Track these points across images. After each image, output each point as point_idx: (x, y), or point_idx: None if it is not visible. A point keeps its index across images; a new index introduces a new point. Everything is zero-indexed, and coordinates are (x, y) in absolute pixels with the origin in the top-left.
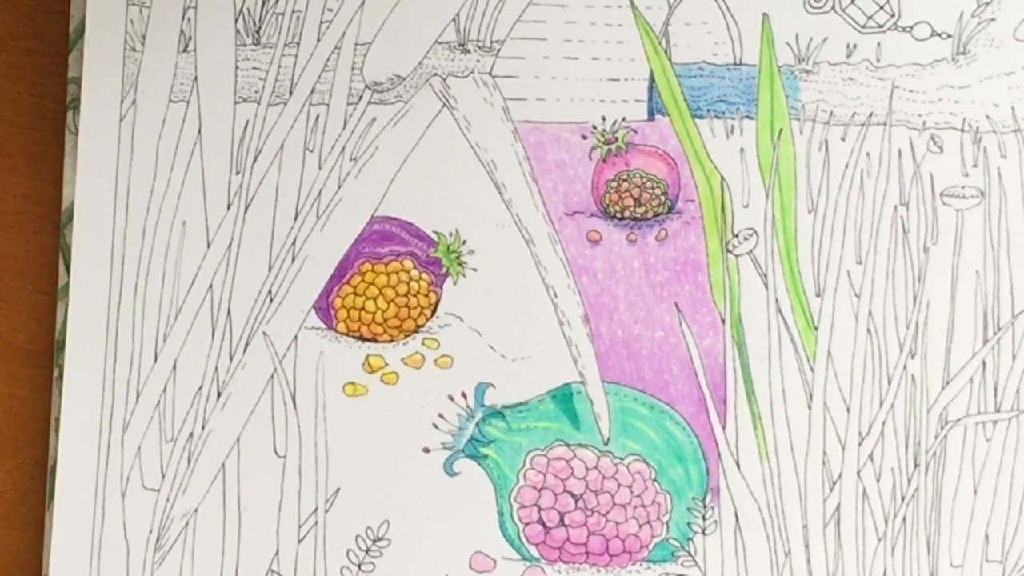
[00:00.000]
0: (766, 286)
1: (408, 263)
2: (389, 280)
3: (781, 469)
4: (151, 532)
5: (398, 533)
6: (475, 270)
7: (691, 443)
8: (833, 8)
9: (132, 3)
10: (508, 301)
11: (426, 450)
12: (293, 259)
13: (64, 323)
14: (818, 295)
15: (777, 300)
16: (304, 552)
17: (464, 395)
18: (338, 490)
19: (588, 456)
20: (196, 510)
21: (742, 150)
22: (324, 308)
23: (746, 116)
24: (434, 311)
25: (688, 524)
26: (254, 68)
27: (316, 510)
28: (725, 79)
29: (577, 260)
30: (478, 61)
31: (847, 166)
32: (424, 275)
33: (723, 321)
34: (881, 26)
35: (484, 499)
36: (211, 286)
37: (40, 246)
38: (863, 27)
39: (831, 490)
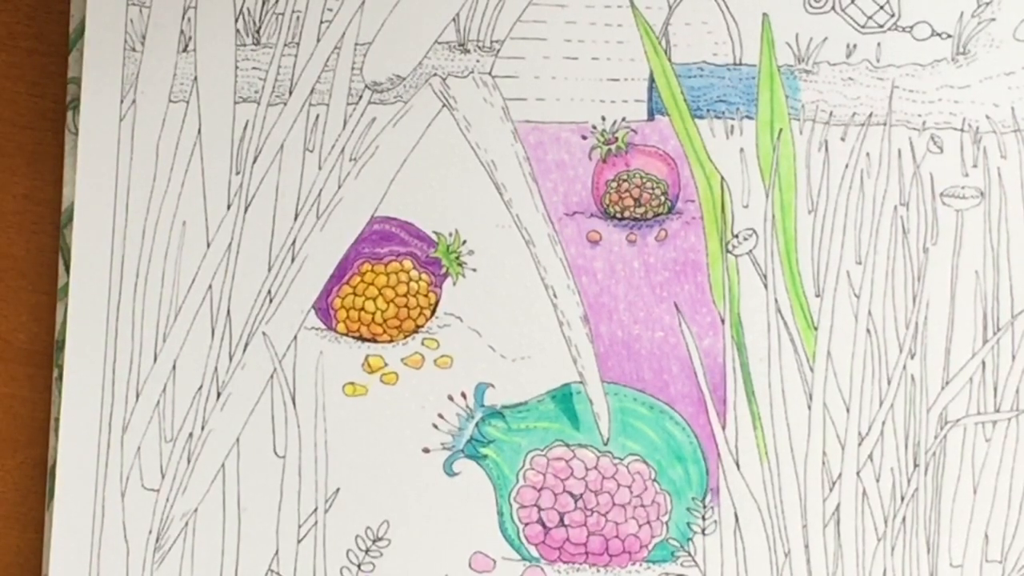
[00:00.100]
0: (766, 286)
1: (408, 263)
2: (389, 280)
3: (781, 469)
4: (151, 532)
5: (398, 533)
6: (475, 270)
7: (691, 443)
8: (833, 8)
9: (132, 3)
10: (508, 301)
11: (426, 450)
12: (293, 259)
13: (64, 323)
14: (818, 295)
15: (777, 300)
16: (304, 552)
17: (464, 395)
18: (338, 490)
19: (588, 456)
20: (196, 510)
21: (742, 150)
22: (324, 308)
23: (746, 116)
24: (434, 311)
25: (688, 524)
26: (254, 68)
27: (316, 510)
28: (725, 79)
29: (577, 260)
30: (478, 61)
31: (847, 166)
32: (424, 275)
33: (723, 321)
34: (881, 26)
35: (484, 499)
36: (211, 286)
37: (40, 246)
38: (863, 27)
39: (831, 490)
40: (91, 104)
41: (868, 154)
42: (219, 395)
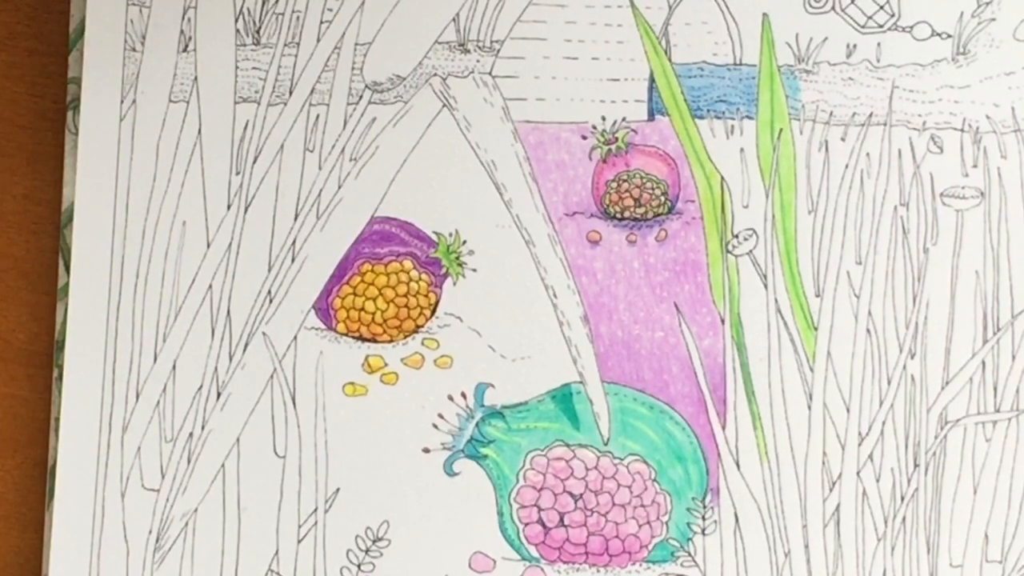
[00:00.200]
0: (766, 286)
1: (408, 263)
2: (389, 280)
3: (781, 469)
4: (151, 532)
5: (398, 533)
6: (475, 270)
7: (691, 443)
8: (833, 8)
9: (132, 3)
10: (508, 301)
11: (426, 450)
12: (293, 259)
13: (64, 323)
14: (818, 295)
15: (777, 300)
16: (304, 552)
17: (464, 395)
18: (338, 490)
19: (588, 456)
20: (196, 510)
21: (742, 150)
22: (324, 308)
23: (746, 116)
24: (434, 311)
25: (688, 524)
26: (254, 68)
27: (316, 510)
28: (725, 79)
29: (577, 260)
30: (478, 61)
31: (847, 166)
32: (424, 275)
33: (723, 321)
34: (881, 26)
35: (484, 499)
36: (211, 286)
37: (40, 246)
38: (863, 27)
39: (831, 490)
40: (91, 104)
41: (868, 154)
42: (219, 395)
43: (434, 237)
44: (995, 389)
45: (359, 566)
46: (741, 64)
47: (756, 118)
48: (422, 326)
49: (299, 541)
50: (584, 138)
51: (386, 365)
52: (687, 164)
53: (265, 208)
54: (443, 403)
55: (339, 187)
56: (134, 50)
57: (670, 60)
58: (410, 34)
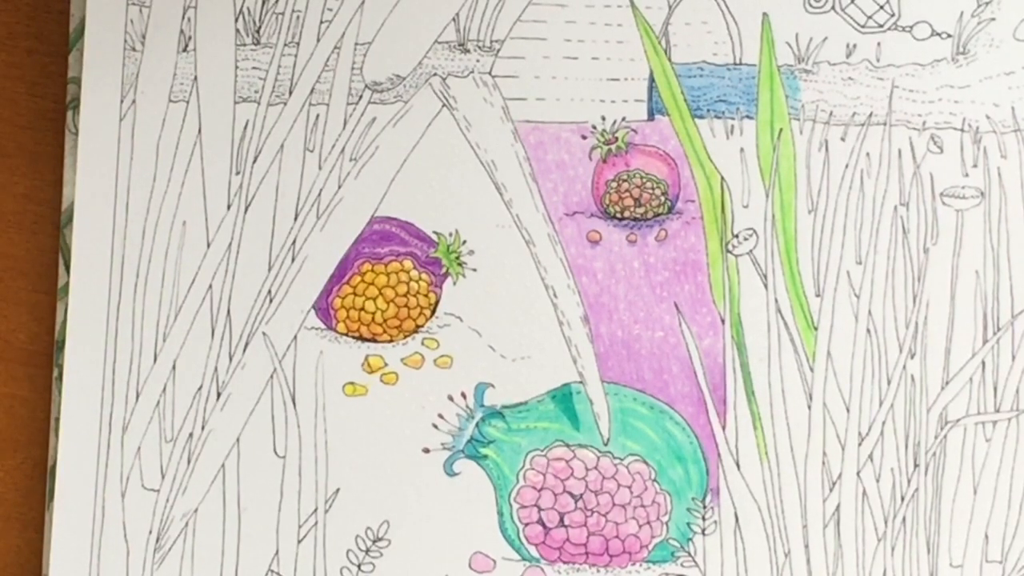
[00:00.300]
0: (766, 286)
1: (408, 263)
2: (389, 280)
3: (781, 469)
4: (151, 532)
5: (398, 533)
6: (475, 270)
7: (691, 443)
8: (833, 8)
9: (132, 3)
10: (508, 301)
11: (426, 450)
12: (293, 259)
13: (64, 323)
14: (818, 295)
15: (777, 300)
16: (304, 552)
17: (464, 395)
18: (338, 490)
19: (588, 456)
20: (196, 510)
21: (742, 150)
22: (324, 308)
23: (746, 116)
24: (434, 311)
25: (688, 524)
26: (254, 68)
27: (316, 510)
28: (725, 79)
29: (577, 260)
30: (478, 61)
31: (847, 166)
32: (424, 275)
33: (723, 321)
34: (881, 26)
35: (484, 499)
36: (211, 286)
37: (40, 246)
38: (863, 27)
39: (831, 490)
40: (91, 104)
41: (868, 154)
42: (219, 395)
43: (434, 237)
44: (995, 389)
45: (359, 566)
46: (741, 64)
47: (756, 118)
48: (422, 326)
49: (299, 541)
50: (584, 138)
51: (386, 365)
52: (687, 164)
53: (265, 208)
54: (443, 403)
55: (339, 187)
56: (134, 50)
57: (670, 60)
58: (410, 34)
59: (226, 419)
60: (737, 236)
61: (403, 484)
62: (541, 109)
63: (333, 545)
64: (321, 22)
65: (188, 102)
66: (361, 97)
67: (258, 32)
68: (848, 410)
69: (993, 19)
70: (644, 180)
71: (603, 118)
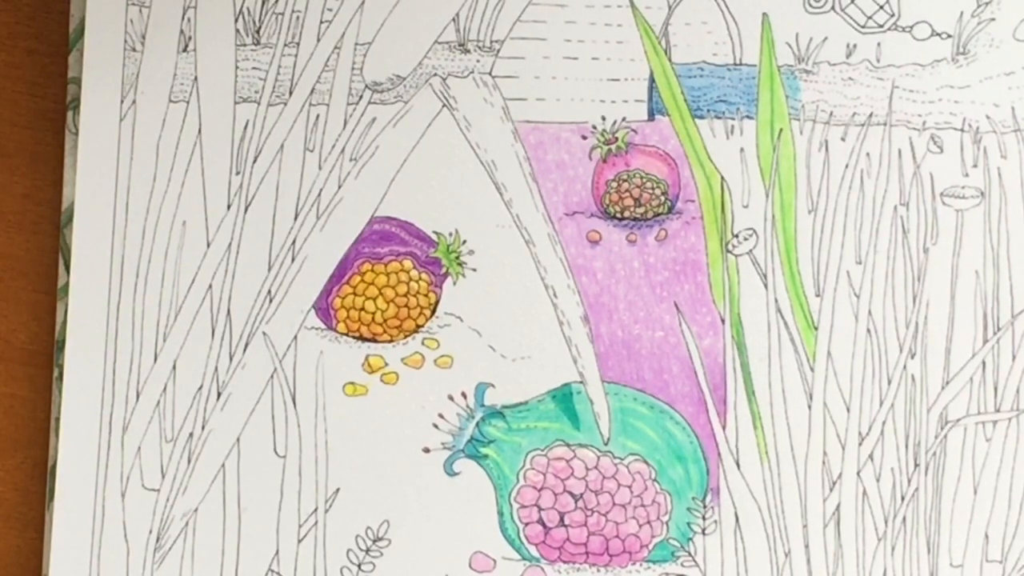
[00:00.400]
0: (766, 286)
1: (408, 263)
2: (389, 280)
3: (781, 469)
4: (151, 532)
5: (398, 533)
6: (475, 270)
7: (691, 443)
8: (833, 8)
9: (132, 3)
10: (508, 301)
11: (426, 450)
12: (293, 259)
13: (64, 323)
14: (818, 295)
15: (777, 300)
16: (304, 552)
17: (464, 395)
18: (338, 490)
19: (588, 456)
20: (196, 510)
21: (742, 150)
22: (324, 308)
23: (746, 116)
24: (434, 311)
25: (688, 524)
26: (254, 68)
27: (316, 510)
28: (725, 79)
29: (577, 260)
30: (478, 61)
31: (847, 166)
32: (424, 275)
33: (723, 321)
34: (881, 26)
35: (484, 499)
36: (211, 286)
37: (40, 246)
38: (863, 27)
39: (831, 490)
40: (91, 104)
41: (868, 154)
42: (219, 395)
43: (434, 237)
44: (995, 389)
45: (359, 566)
46: (741, 64)
47: (756, 118)
48: (422, 326)
49: (299, 541)
50: (584, 138)
51: (386, 365)
52: (687, 164)
53: (265, 208)
54: (443, 403)
55: (339, 187)
56: (134, 50)
57: (670, 60)
58: (410, 34)
59: (226, 419)
60: (737, 236)
61: (403, 484)
62: (541, 109)
63: (333, 545)
64: (321, 22)
65: (188, 102)
66: (361, 97)
67: (258, 32)
68: (848, 410)
69: (993, 19)
70: (644, 180)
71: (603, 118)
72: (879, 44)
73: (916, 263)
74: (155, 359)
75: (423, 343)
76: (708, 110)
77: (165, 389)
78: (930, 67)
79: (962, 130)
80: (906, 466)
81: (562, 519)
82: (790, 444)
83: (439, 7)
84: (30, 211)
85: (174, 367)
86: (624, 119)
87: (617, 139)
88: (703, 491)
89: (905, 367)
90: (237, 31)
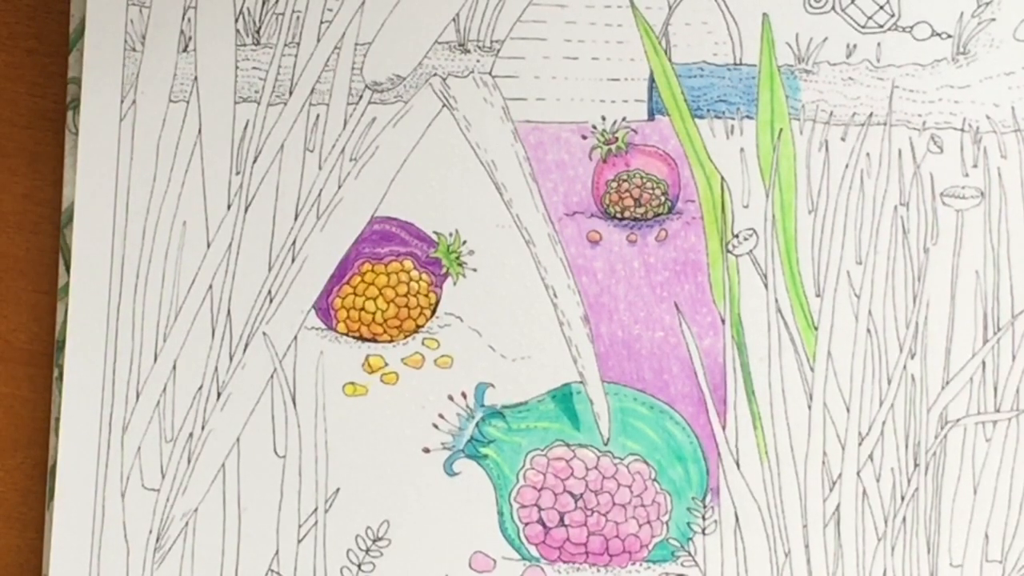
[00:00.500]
0: (766, 286)
1: (408, 263)
2: (389, 280)
3: (781, 469)
4: (151, 532)
5: (398, 533)
6: (475, 270)
7: (691, 443)
8: (833, 8)
9: (132, 3)
10: (508, 301)
11: (426, 450)
12: (293, 259)
13: (64, 323)
14: (818, 295)
15: (777, 300)
16: (304, 552)
17: (464, 395)
18: (338, 490)
19: (588, 456)
20: (196, 510)
21: (742, 150)
22: (324, 308)
23: (746, 116)
24: (434, 311)
25: (688, 524)
26: (254, 68)
27: (316, 510)
28: (725, 79)
29: (577, 260)
30: (478, 61)
31: (847, 166)
32: (424, 275)
33: (723, 321)
34: (881, 26)
35: (484, 499)
36: (211, 286)
37: (40, 246)
38: (863, 27)
39: (831, 490)
40: (91, 104)
41: (868, 154)
42: (219, 395)
43: (434, 237)
44: (995, 389)
45: (359, 566)
46: (741, 64)
47: (756, 118)
48: (422, 326)
49: (299, 541)
50: (584, 138)
51: (386, 365)
52: (687, 164)
53: (265, 208)
54: (443, 403)
55: (339, 187)
56: (134, 50)
57: (670, 60)
58: (410, 34)
59: (226, 419)
60: (737, 236)
61: (403, 484)
62: (541, 109)
63: (333, 545)
64: (321, 22)
65: (188, 102)
66: (361, 97)
67: (258, 32)
68: (848, 410)
69: (993, 19)
70: (644, 180)
71: (603, 118)
72: (879, 44)
73: (916, 263)
74: (155, 359)
75: (423, 343)
76: (708, 110)
77: (165, 389)
78: (930, 67)
79: (962, 130)
80: (906, 466)
81: (562, 519)
82: (790, 444)
83: (439, 7)
84: (30, 211)
85: (174, 367)
86: (624, 119)
87: (617, 139)
88: (703, 491)
89: (905, 367)
90: (237, 31)
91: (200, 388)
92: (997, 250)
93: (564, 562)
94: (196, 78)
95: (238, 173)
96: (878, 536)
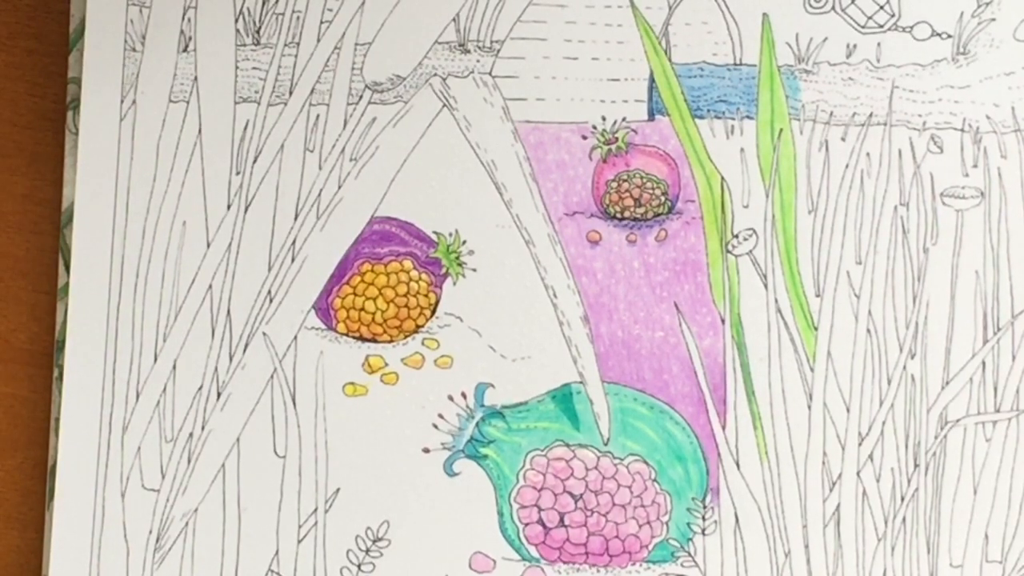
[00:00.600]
0: (766, 286)
1: (408, 263)
2: (389, 280)
3: (781, 469)
4: (151, 532)
5: (398, 533)
6: (475, 270)
7: (691, 443)
8: (833, 8)
9: (132, 3)
10: (508, 301)
11: (426, 450)
12: (293, 259)
13: (64, 323)
14: (818, 295)
15: (777, 300)
16: (304, 552)
17: (464, 395)
18: (338, 490)
19: (588, 456)
20: (196, 510)
21: (742, 150)
22: (324, 308)
23: (746, 116)
24: (434, 311)
25: (688, 524)
26: (254, 68)
27: (316, 510)
28: (725, 79)
29: (577, 260)
30: (478, 61)
31: (847, 166)
32: (424, 275)
33: (723, 321)
34: (881, 26)
35: (484, 499)
36: (211, 286)
37: (40, 246)
38: (863, 27)
39: (831, 490)
40: (91, 104)
41: (868, 154)
42: (219, 395)
43: (434, 237)
44: (995, 389)
45: (359, 566)
46: (741, 64)
47: (756, 118)
48: (422, 326)
49: (299, 541)
50: (584, 138)
51: (386, 365)
52: (687, 164)
53: (265, 208)
54: (443, 403)
55: (339, 187)
56: (134, 50)
57: (670, 60)
58: (410, 34)
59: (226, 419)
60: (737, 236)
61: (403, 484)
62: (541, 109)
63: (333, 545)
64: (321, 22)
65: (188, 102)
66: (361, 97)
67: (258, 32)
68: (848, 410)
69: (993, 19)
70: (644, 180)
71: (603, 118)
72: (879, 44)
73: (916, 263)
74: (155, 359)
75: (423, 343)
76: (708, 110)
77: (165, 389)
78: (930, 67)
79: (962, 130)
80: (906, 466)
81: (562, 519)
82: (790, 444)
83: (439, 7)
84: (30, 211)
85: (174, 367)
86: (624, 119)
87: (617, 139)
88: (703, 491)
89: (905, 367)
90: (237, 31)
91: (200, 388)
92: (997, 250)
93: (564, 562)
94: (196, 78)
95: (238, 173)
96: (878, 536)
